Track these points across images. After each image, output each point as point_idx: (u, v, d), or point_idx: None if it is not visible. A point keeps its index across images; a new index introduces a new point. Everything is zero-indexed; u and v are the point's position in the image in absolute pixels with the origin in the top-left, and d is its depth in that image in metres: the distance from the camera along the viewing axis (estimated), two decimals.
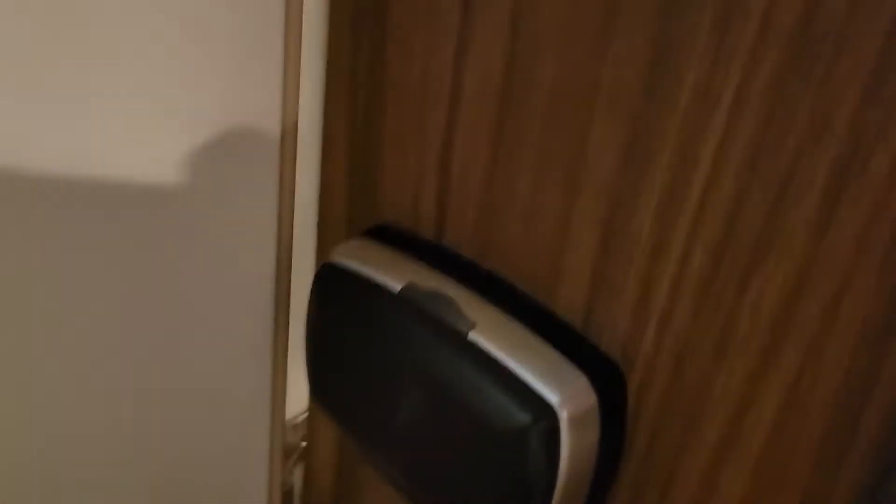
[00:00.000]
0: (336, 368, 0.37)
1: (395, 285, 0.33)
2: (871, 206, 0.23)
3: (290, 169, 0.40)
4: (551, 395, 0.29)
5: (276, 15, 0.36)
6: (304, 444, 0.50)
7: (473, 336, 0.30)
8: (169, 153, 0.36)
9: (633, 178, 0.28)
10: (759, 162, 0.24)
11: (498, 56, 0.30)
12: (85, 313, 0.37)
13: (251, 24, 0.36)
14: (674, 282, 0.28)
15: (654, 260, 0.28)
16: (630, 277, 0.29)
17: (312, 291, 0.36)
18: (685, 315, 0.28)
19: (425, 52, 0.33)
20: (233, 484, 0.49)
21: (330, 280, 0.35)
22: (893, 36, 0.21)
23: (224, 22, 0.35)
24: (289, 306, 0.44)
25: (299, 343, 0.38)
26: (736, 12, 0.24)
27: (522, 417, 0.29)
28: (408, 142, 0.35)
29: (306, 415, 0.49)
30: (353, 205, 0.39)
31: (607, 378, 0.30)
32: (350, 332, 0.35)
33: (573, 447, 0.30)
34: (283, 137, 0.39)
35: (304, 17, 0.37)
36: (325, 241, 0.42)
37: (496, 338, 0.31)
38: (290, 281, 0.43)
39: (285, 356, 0.46)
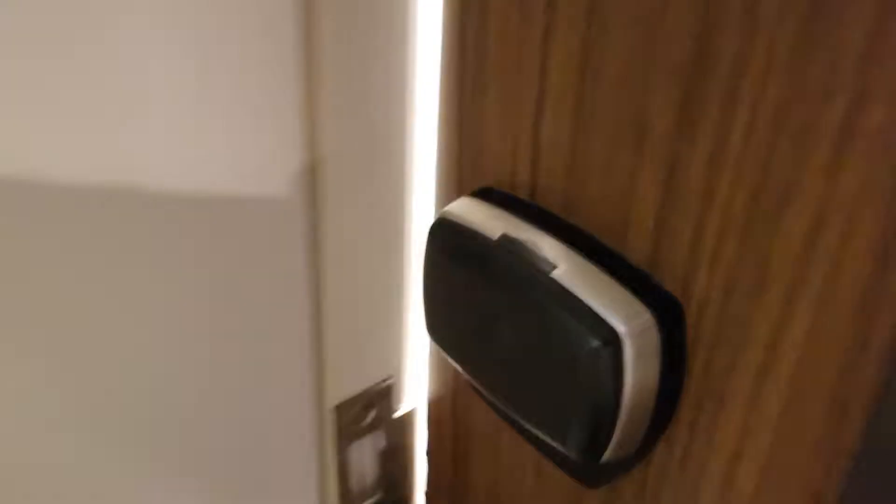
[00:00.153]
0: (445, 306, 0.44)
1: (493, 235, 0.40)
2: (871, 155, 0.27)
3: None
4: (620, 325, 0.35)
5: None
6: (369, 420, 0.56)
7: (555, 274, 0.37)
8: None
9: (686, 137, 0.33)
10: (785, 117, 0.29)
11: (576, 40, 0.36)
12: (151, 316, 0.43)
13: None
14: (720, 224, 0.33)
15: (704, 206, 0.33)
16: (685, 223, 0.35)
17: (427, 241, 0.44)
18: (731, 253, 0.33)
19: (518, 39, 0.40)
20: (284, 469, 0.55)
21: (440, 231, 0.43)
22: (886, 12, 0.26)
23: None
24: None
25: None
26: None
27: (595, 342, 0.35)
28: (506, 115, 0.42)
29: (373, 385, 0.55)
30: (464, 170, 0.46)
31: (669, 311, 0.36)
32: (455, 275, 0.42)
33: (638, 370, 0.36)
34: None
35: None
36: (440, 201, 0.49)
37: (574, 277, 0.37)
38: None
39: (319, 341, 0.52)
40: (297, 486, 0.57)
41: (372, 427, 0.58)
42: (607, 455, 0.38)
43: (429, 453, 0.60)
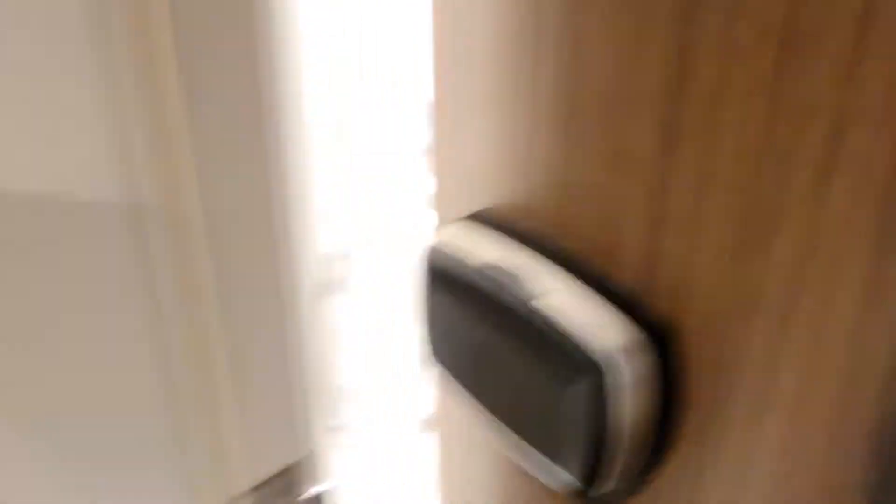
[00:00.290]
0: (441, 331, 0.43)
1: (477, 262, 0.39)
2: (857, 180, 0.26)
3: None
4: (609, 351, 0.34)
5: None
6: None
7: (538, 304, 0.36)
8: None
9: (670, 161, 0.32)
10: (768, 140, 0.28)
11: (560, 65, 0.36)
12: None
13: None
14: (710, 248, 0.32)
15: (692, 229, 0.32)
16: (675, 246, 0.33)
17: (421, 267, 0.43)
18: (722, 277, 0.32)
19: (509, 64, 0.39)
20: None
21: (431, 257, 0.42)
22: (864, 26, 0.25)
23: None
24: None
25: None
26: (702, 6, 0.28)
27: (578, 375, 0.34)
28: (498, 138, 0.41)
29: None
30: (459, 193, 0.46)
31: (662, 336, 0.35)
32: (446, 302, 0.42)
33: (631, 397, 0.35)
34: None
35: None
36: (442, 222, 0.49)
37: (561, 304, 0.36)
38: None
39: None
40: None
41: None
42: (606, 484, 0.37)
43: (441, 470, 0.59)
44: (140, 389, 0.48)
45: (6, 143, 0.40)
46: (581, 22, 0.34)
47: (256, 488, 0.53)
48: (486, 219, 0.43)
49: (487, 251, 0.39)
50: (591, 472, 0.36)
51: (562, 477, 0.38)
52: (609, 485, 0.37)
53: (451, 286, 0.41)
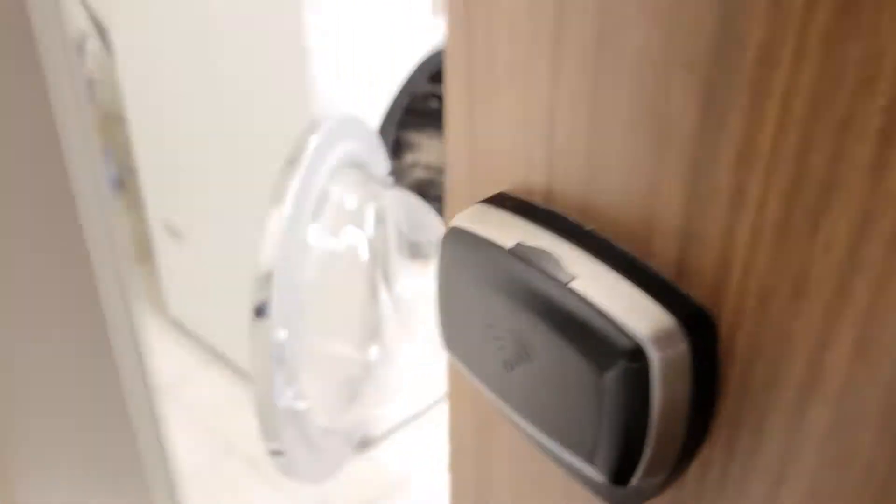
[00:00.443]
0: (461, 320, 0.42)
1: (506, 244, 0.37)
2: None
3: None
4: (645, 336, 0.32)
5: None
6: None
7: (574, 285, 0.34)
8: None
9: (711, 135, 0.30)
10: (819, 110, 0.26)
11: (589, 35, 0.34)
12: None
13: None
14: (753, 229, 0.30)
15: (734, 209, 0.31)
16: (714, 227, 0.32)
17: (440, 252, 0.42)
18: (765, 260, 0.30)
19: (529, 38, 0.37)
20: None
21: (453, 241, 0.40)
22: None
23: None
24: None
25: None
26: None
27: (618, 355, 0.33)
28: (519, 118, 0.40)
29: None
30: (475, 176, 0.44)
31: (697, 322, 0.33)
32: (469, 287, 0.40)
33: (666, 385, 0.33)
34: None
35: None
36: (452, 210, 0.47)
37: (595, 286, 0.34)
38: None
39: None
40: None
41: None
42: (637, 478, 0.35)
43: (450, 469, 0.58)
44: None
45: None
46: None
47: None
48: (504, 203, 0.41)
49: (512, 234, 0.37)
50: (621, 465, 0.35)
51: (587, 470, 0.36)
52: (638, 477, 0.35)
53: (473, 270, 0.39)
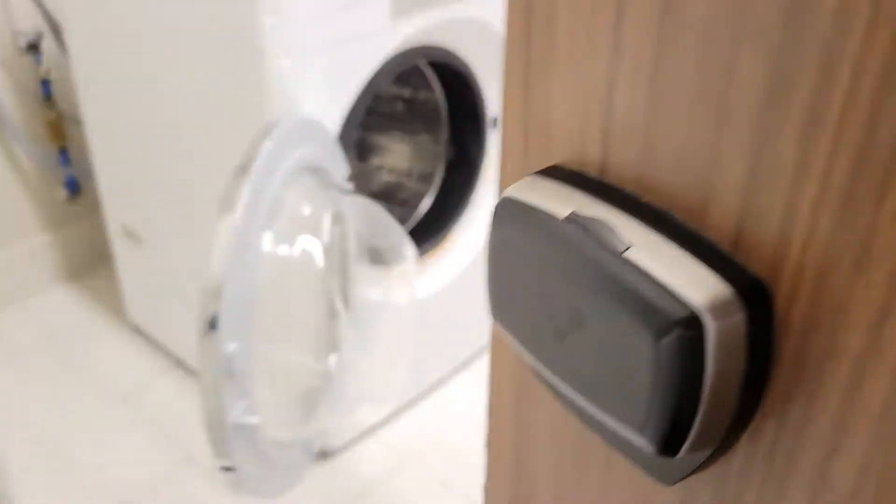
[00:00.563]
0: (511, 290, 0.42)
1: (561, 213, 0.38)
2: None
3: None
4: (701, 305, 0.33)
5: None
6: None
7: (629, 254, 0.35)
8: None
9: (777, 103, 0.30)
10: (891, 78, 0.26)
11: (653, 3, 0.34)
12: None
13: None
14: (816, 200, 0.30)
15: (797, 179, 0.31)
16: (775, 198, 0.32)
17: (491, 223, 0.42)
18: (828, 230, 0.30)
19: (591, 6, 0.37)
20: None
21: (504, 212, 0.41)
22: None
23: None
24: None
25: None
26: None
27: (674, 323, 0.33)
28: (576, 89, 0.40)
29: None
30: (529, 148, 0.44)
31: (754, 293, 0.33)
32: (521, 256, 0.40)
33: (721, 355, 0.33)
34: None
35: None
36: (505, 182, 0.47)
37: (650, 256, 0.34)
38: None
39: None
40: None
41: None
42: (685, 449, 0.35)
43: (488, 445, 0.58)
44: None
45: None
46: None
47: None
48: (558, 174, 0.41)
49: (567, 204, 0.38)
50: (670, 435, 0.35)
51: (635, 440, 0.37)
52: (686, 448, 0.35)
53: (526, 239, 0.39)
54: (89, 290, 1.82)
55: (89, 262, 1.84)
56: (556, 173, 0.41)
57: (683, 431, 0.35)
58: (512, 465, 0.56)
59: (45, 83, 1.64)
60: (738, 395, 0.35)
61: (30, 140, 1.68)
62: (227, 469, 0.94)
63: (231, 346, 0.91)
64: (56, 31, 1.61)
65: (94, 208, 1.67)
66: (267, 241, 0.98)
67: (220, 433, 0.92)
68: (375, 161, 1.57)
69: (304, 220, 1.08)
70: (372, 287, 1.21)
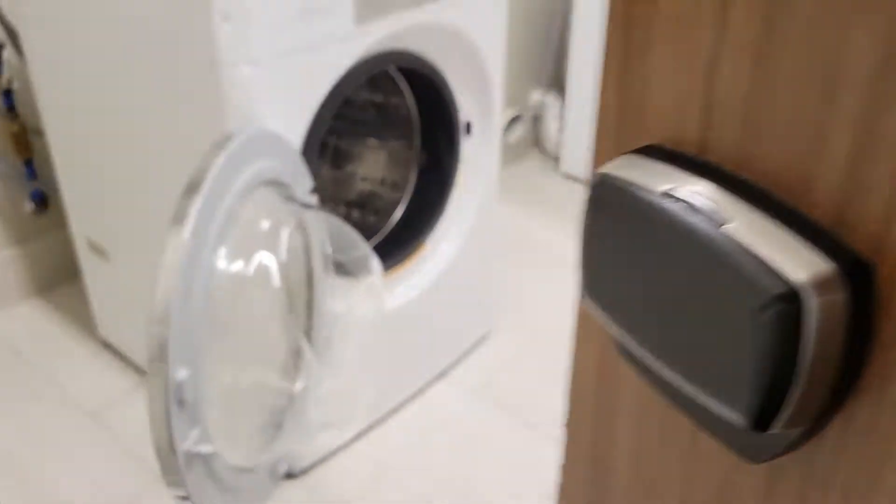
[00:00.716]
0: (605, 267, 0.43)
1: (658, 189, 0.38)
2: None
3: None
4: (801, 279, 0.33)
5: None
6: None
7: (727, 228, 0.35)
8: None
9: (891, 78, 0.30)
10: None
11: None
12: None
13: None
14: None
15: None
16: (883, 176, 0.32)
17: (587, 200, 0.43)
18: None
19: None
20: None
21: (601, 189, 0.42)
22: None
23: None
24: None
25: None
26: None
27: (773, 297, 0.33)
28: (676, 68, 0.40)
29: None
30: (624, 128, 0.45)
31: (856, 271, 0.33)
32: (618, 233, 0.41)
33: (819, 331, 0.33)
34: None
35: None
36: (599, 161, 0.48)
37: (750, 231, 0.35)
38: None
39: None
40: None
41: None
42: (777, 425, 0.36)
43: (568, 425, 0.59)
44: None
45: None
46: None
47: None
48: (655, 153, 0.42)
49: (664, 181, 0.38)
50: (764, 408, 0.35)
51: (727, 415, 0.37)
52: (780, 424, 0.36)
53: (623, 215, 0.40)
54: (58, 304, 1.76)
55: (58, 275, 1.77)
56: (652, 152, 0.42)
57: (777, 406, 0.35)
58: (590, 445, 0.57)
59: (7, 94, 1.57)
60: (835, 373, 0.35)
61: None
62: (183, 498, 0.89)
63: (181, 373, 0.88)
64: (14, 38, 1.52)
65: (63, 221, 1.59)
66: (221, 259, 0.93)
67: (171, 464, 0.88)
68: (350, 168, 1.51)
69: (262, 235, 1.03)
70: (338, 301, 1.14)
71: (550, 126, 2.17)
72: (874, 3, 0.30)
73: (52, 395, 1.50)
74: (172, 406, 0.86)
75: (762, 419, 0.36)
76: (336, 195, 1.49)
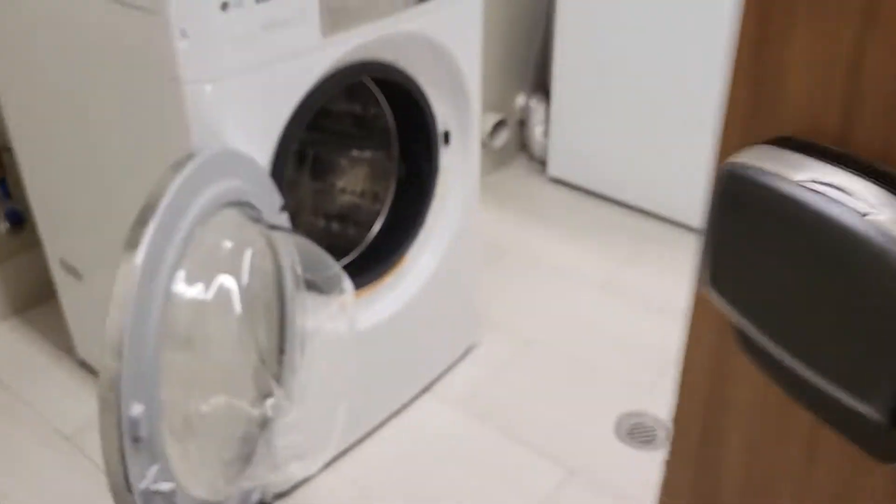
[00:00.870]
0: (735, 258, 0.43)
1: (796, 179, 0.38)
2: None
3: None
4: None
5: None
6: None
7: (873, 217, 0.35)
8: None
9: None
10: None
11: None
12: None
13: None
14: None
15: None
16: None
17: (715, 191, 0.43)
18: None
19: None
20: None
21: (732, 180, 0.41)
22: None
23: None
24: None
25: None
26: None
27: None
28: (816, 59, 0.40)
29: None
30: (755, 119, 0.45)
31: None
32: (750, 223, 0.41)
33: None
34: None
35: None
36: (724, 153, 0.48)
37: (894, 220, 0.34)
38: None
39: None
40: None
41: None
42: None
43: (676, 420, 0.59)
44: None
45: None
46: None
47: None
48: (790, 144, 0.42)
49: (801, 171, 0.38)
50: None
51: (861, 409, 0.36)
52: None
53: (756, 205, 0.40)
54: (35, 324, 1.72)
55: (35, 295, 1.74)
56: (788, 143, 0.42)
57: None
58: (698, 441, 0.57)
59: None
60: None
61: None
62: None
63: (135, 409, 0.82)
64: None
65: (39, 241, 1.56)
66: (179, 283, 0.89)
67: None
68: (331, 180, 1.46)
69: (223, 258, 0.98)
70: (309, 319, 1.08)
71: (535, 130, 2.12)
72: None
73: (28, 418, 1.49)
74: (127, 444, 0.82)
75: None
76: (317, 207, 1.47)
